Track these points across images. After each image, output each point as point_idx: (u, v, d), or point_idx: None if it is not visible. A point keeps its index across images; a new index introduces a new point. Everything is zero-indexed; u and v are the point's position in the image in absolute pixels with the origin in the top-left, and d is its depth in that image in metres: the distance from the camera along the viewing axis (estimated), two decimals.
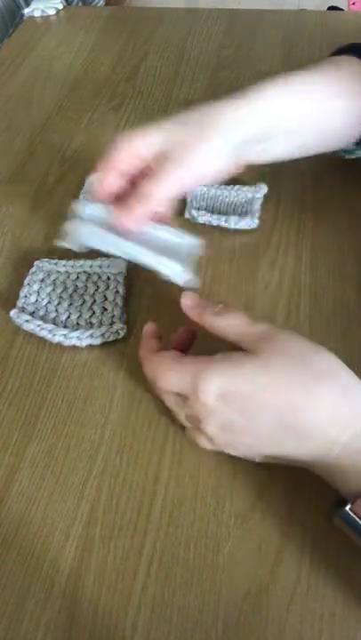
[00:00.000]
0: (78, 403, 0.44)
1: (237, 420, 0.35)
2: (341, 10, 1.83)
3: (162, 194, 0.44)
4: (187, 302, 0.40)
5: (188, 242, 0.46)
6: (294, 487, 0.38)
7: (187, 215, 0.56)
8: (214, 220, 0.54)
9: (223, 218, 0.54)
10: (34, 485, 0.40)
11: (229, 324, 0.38)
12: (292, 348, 0.36)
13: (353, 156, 0.53)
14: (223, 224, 0.54)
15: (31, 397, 0.44)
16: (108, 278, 0.50)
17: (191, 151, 0.44)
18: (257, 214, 0.55)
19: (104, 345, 0.47)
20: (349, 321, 0.47)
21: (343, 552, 0.35)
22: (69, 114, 0.72)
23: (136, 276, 0.52)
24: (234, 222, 0.54)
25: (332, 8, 1.91)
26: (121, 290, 0.49)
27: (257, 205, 0.56)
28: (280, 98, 0.46)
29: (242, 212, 0.55)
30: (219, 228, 0.55)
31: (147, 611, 0.34)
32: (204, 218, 0.54)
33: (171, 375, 0.37)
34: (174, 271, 0.43)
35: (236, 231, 0.55)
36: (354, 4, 2.05)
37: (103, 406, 0.43)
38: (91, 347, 0.47)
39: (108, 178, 0.46)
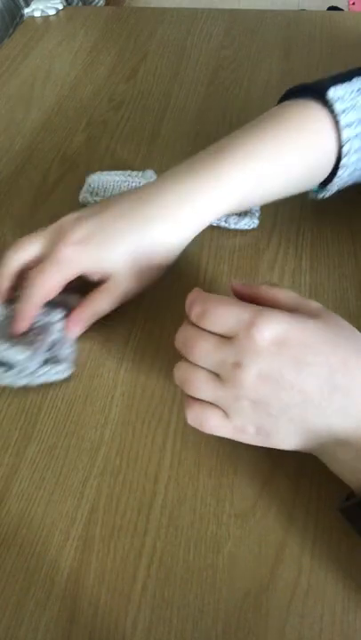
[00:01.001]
0: (78, 403, 0.44)
1: (286, 372, 0.33)
2: (341, 10, 1.83)
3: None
4: (236, 282, 0.39)
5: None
6: (295, 487, 0.38)
7: None
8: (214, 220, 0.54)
9: (223, 218, 0.54)
10: (34, 485, 0.40)
11: (286, 295, 0.37)
12: (347, 326, 0.36)
13: (321, 196, 0.51)
14: (223, 224, 0.54)
15: (31, 397, 0.44)
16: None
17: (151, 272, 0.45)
18: (257, 214, 0.55)
19: (104, 345, 0.47)
20: (349, 321, 0.47)
21: (343, 552, 0.35)
22: (69, 114, 0.72)
23: None
24: (233, 222, 0.54)
25: (332, 8, 1.91)
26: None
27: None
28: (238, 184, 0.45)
29: (241, 211, 0.55)
30: (218, 228, 0.55)
31: (147, 611, 0.34)
32: None
33: (229, 309, 0.35)
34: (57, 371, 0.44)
35: (236, 231, 0.55)
36: (354, 4, 2.05)
37: (103, 406, 0.43)
38: (90, 347, 0.46)
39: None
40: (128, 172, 0.59)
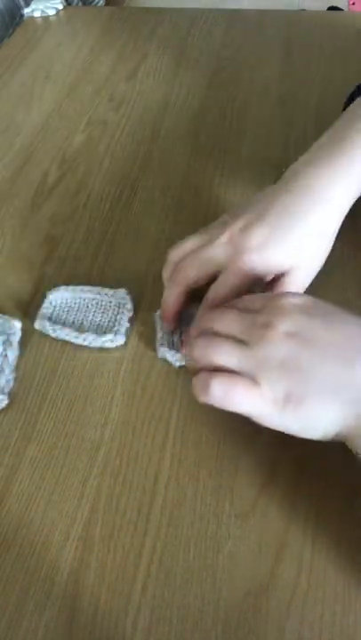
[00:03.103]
0: (78, 403, 0.44)
1: (314, 328, 0.35)
2: (341, 10, 1.83)
3: None
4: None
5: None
6: (295, 487, 0.38)
7: None
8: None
9: None
10: (34, 485, 0.40)
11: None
12: None
13: None
14: None
15: (31, 397, 0.44)
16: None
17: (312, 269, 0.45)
18: None
19: (104, 345, 0.47)
20: None
21: (343, 552, 0.35)
22: (69, 114, 0.72)
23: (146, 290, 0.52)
24: None
25: (332, 8, 1.91)
26: (11, 354, 0.46)
27: None
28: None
29: None
30: None
31: (147, 611, 0.34)
32: None
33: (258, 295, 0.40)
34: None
35: None
36: (354, 4, 2.04)
37: (103, 406, 0.43)
38: (90, 347, 0.46)
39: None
40: (98, 288, 0.49)
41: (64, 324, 0.47)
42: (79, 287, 0.50)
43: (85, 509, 0.38)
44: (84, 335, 0.46)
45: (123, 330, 0.47)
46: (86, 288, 0.50)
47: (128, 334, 0.47)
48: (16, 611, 0.34)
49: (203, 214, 0.57)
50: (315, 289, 0.49)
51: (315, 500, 0.37)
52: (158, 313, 0.47)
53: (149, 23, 0.89)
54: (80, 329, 0.47)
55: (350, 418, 0.33)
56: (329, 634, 0.33)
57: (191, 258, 0.44)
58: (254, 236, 0.42)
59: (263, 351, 0.34)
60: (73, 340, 0.46)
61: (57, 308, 0.49)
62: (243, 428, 0.41)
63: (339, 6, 1.94)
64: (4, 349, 0.45)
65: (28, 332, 0.47)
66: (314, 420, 0.34)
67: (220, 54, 0.81)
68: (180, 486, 0.39)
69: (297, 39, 0.82)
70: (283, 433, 0.40)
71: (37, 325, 0.47)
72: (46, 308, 0.48)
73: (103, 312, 0.48)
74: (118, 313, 0.48)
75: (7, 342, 0.46)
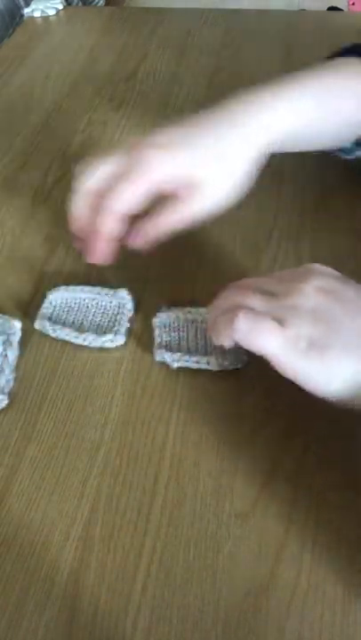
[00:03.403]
0: (78, 403, 0.44)
1: (345, 291, 0.36)
2: (341, 10, 1.83)
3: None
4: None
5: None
6: (295, 487, 0.38)
7: None
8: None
9: None
10: (34, 485, 0.40)
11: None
12: None
13: (351, 157, 0.52)
14: None
15: (31, 397, 0.44)
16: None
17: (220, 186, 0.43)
18: None
19: (103, 344, 0.47)
20: None
21: (344, 552, 0.35)
22: (69, 114, 0.72)
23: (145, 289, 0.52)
24: None
25: (332, 8, 1.91)
26: (11, 354, 0.45)
27: None
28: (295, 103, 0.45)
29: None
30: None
31: (147, 611, 0.34)
32: None
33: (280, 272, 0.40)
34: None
35: (236, 230, 0.55)
36: (354, 4, 2.05)
37: (103, 406, 0.43)
38: (90, 347, 0.46)
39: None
40: (98, 288, 0.49)
41: (64, 324, 0.47)
42: (79, 287, 0.50)
43: (85, 509, 0.38)
44: (84, 335, 0.46)
45: (123, 330, 0.47)
46: (86, 288, 0.49)
47: (128, 334, 0.47)
48: (16, 611, 0.34)
49: None
50: None
51: (315, 499, 0.37)
52: (156, 319, 0.47)
53: (149, 23, 0.89)
54: (80, 329, 0.47)
55: None
56: (329, 634, 0.33)
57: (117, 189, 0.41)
58: (159, 135, 0.41)
59: (294, 300, 0.35)
60: (73, 340, 0.46)
61: (57, 308, 0.49)
62: (243, 428, 0.41)
63: (339, 6, 1.94)
64: (4, 349, 0.45)
65: (28, 332, 0.47)
66: (334, 370, 0.33)
67: (220, 54, 0.81)
68: (180, 486, 0.39)
69: (297, 39, 0.82)
70: (282, 433, 0.40)
71: (37, 325, 0.47)
72: (46, 307, 0.48)
73: (103, 312, 0.48)
74: (118, 313, 0.48)
75: (7, 342, 0.46)
